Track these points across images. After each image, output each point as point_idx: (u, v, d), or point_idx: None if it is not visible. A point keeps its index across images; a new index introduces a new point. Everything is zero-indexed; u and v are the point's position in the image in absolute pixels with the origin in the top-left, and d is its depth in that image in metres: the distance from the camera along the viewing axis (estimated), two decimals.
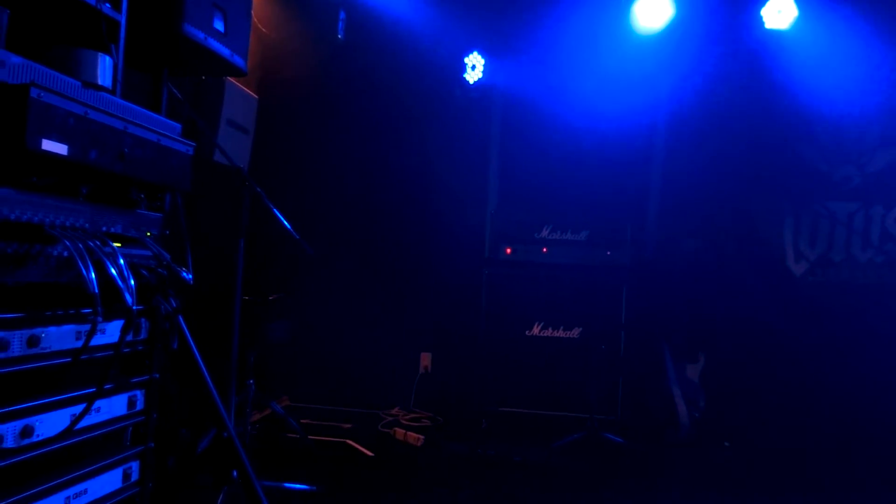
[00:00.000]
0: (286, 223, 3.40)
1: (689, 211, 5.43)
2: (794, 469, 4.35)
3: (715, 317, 5.13)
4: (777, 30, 5.07)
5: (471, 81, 5.56)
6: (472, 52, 5.54)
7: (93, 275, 1.61)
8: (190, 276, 2.06)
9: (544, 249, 5.06)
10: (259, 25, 5.18)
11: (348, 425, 4.89)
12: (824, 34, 5.11)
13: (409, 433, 4.65)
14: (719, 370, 5.03)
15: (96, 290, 1.60)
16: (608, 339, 4.88)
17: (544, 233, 5.07)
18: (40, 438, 1.68)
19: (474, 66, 5.54)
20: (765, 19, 5.05)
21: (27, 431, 1.64)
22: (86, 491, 1.85)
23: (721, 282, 5.23)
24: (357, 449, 4.36)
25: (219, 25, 2.67)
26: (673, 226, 5.49)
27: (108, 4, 2.12)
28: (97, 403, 1.85)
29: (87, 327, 1.78)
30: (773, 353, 5.17)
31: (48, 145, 1.60)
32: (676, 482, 4.05)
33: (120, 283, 1.68)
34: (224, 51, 2.71)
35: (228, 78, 4.39)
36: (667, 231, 5.51)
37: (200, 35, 2.54)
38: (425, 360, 5.61)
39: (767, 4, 5.02)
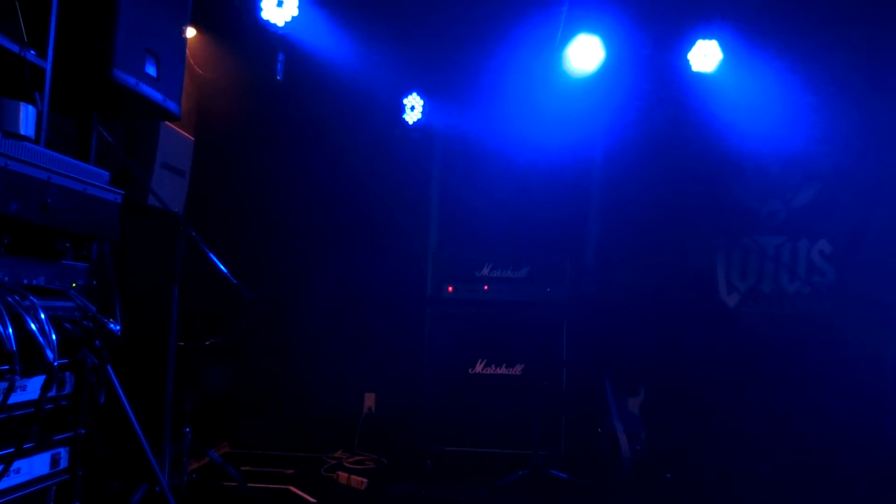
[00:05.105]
0: (223, 267, 3.35)
1: (626, 246, 5.57)
2: (733, 498, 4.42)
3: (653, 349, 5.23)
4: (703, 72, 5.27)
5: (410, 122, 5.62)
6: (410, 94, 5.61)
7: (10, 331, 1.55)
8: (118, 328, 2.01)
9: (486, 287, 5.10)
10: (195, 66, 5.15)
11: (290, 471, 4.79)
12: (748, 77, 5.35)
13: (352, 476, 4.58)
14: (659, 402, 5.11)
15: (14, 348, 1.54)
16: (550, 375, 4.92)
17: (485, 270, 5.12)
18: None
19: (413, 107, 5.61)
20: (691, 62, 5.25)
21: None
22: None
23: (658, 315, 5.35)
24: (299, 496, 4.27)
25: (151, 70, 2.64)
26: (611, 261, 5.61)
27: (32, 52, 2.09)
28: (17, 464, 1.77)
29: (4, 385, 1.71)
30: (709, 384, 5.28)
31: None
32: None
33: (40, 338, 1.63)
34: (157, 96, 2.69)
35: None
36: (605, 266, 5.62)
37: (132, 81, 2.51)
38: (369, 400, 5.55)
39: (694, 48, 5.22)
